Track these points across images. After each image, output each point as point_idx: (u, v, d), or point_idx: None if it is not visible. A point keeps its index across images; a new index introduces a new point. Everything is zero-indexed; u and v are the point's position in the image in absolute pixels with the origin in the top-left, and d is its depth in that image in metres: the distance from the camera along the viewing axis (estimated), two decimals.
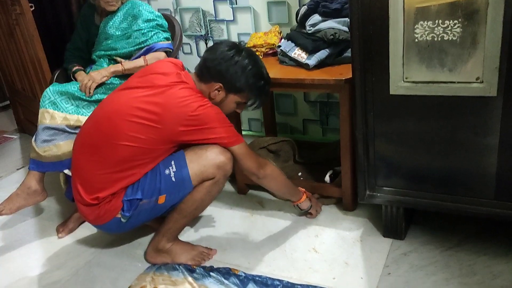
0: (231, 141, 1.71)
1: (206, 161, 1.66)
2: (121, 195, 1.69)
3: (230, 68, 1.71)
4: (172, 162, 1.68)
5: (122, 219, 1.71)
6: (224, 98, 1.78)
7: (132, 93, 1.72)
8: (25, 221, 2.30)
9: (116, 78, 2.23)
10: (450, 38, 1.44)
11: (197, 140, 1.68)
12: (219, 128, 1.68)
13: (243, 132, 2.75)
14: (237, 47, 1.76)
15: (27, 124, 3.36)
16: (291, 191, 1.94)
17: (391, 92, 1.59)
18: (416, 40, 1.48)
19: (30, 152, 2.10)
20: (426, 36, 1.47)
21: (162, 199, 1.68)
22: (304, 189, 2.02)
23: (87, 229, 2.13)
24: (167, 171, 1.67)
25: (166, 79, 1.70)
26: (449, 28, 1.43)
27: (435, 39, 1.46)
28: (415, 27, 1.47)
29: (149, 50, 2.23)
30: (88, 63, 2.43)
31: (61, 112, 2.07)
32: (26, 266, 1.96)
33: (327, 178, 2.19)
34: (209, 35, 2.75)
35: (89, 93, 2.12)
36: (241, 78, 1.73)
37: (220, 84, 1.74)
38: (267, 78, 1.82)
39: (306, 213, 2.05)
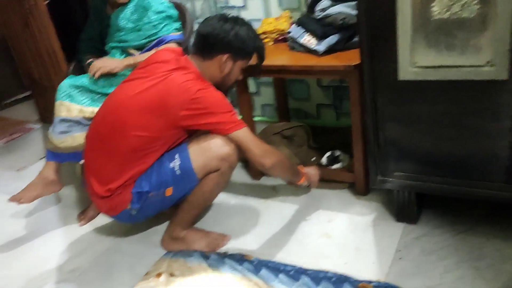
0: (232, 126, 1.70)
1: (209, 153, 1.69)
2: (131, 187, 1.73)
3: (238, 37, 1.77)
4: (176, 156, 1.71)
5: (132, 212, 1.76)
6: (232, 66, 1.83)
7: (134, 84, 1.77)
8: (46, 210, 2.38)
9: (130, 70, 2.25)
10: (467, 16, 1.40)
11: (199, 125, 1.70)
12: (220, 113, 1.69)
13: (257, 118, 2.76)
14: (231, 18, 1.81)
15: (48, 114, 3.42)
16: (294, 174, 1.92)
17: (400, 77, 1.58)
18: (432, 18, 1.45)
19: (47, 143, 2.16)
20: (444, 14, 1.43)
21: (169, 192, 1.72)
22: (301, 165, 2.01)
23: (106, 217, 2.19)
24: (171, 165, 1.70)
25: (166, 66, 1.74)
26: (467, 4, 1.39)
27: (452, 17, 1.42)
28: (432, 4, 1.43)
29: (160, 42, 2.24)
30: (102, 53, 2.46)
31: (77, 104, 2.11)
32: (48, 253, 2.04)
33: (323, 160, 2.19)
34: None
35: (94, 76, 2.15)
36: (248, 42, 1.81)
37: (229, 54, 1.78)
38: (262, 40, 1.94)
39: (306, 188, 2.06)
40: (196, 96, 1.65)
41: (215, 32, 1.75)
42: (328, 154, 2.22)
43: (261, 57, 1.91)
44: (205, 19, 1.85)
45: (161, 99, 1.67)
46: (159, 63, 1.77)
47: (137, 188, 1.73)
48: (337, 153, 2.21)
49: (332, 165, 2.20)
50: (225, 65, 1.80)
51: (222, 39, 1.75)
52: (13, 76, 4.07)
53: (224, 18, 1.80)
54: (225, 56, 1.78)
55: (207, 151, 1.69)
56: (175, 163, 1.70)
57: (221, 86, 1.85)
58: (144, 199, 1.73)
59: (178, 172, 1.70)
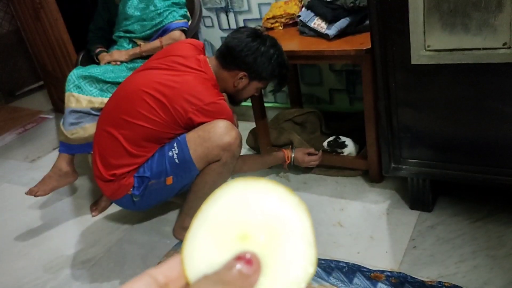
0: None
1: (209, 143, 1.66)
2: (134, 172, 1.74)
3: (258, 59, 1.75)
4: (175, 144, 1.70)
5: (134, 198, 1.76)
6: (247, 85, 1.83)
7: (151, 74, 1.75)
8: (61, 200, 2.40)
9: (139, 60, 2.25)
10: None
11: (202, 122, 1.69)
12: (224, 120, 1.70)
13: (268, 105, 2.72)
14: (261, 36, 1.78)
15: (61, 104, 3.45)
16: (267, 160, 2.04)
17: (413, 62, 1.52)
18: None
19: (59, 135, 2.17)
20: None
21: (170, 180, 1.71)
22: (284, 149, 2.09)
23: (118, 208, 2.20)
24: (170, 153, 1.69)
25: (185, 61, 1.73)
26: None
27: None
28: None
29: (165, 31, 2.22)
30: (111, 43, 2.45)
31: (86, 95, 2.11)
32: (63, 243, 2.06)
33: (325, 144, 2.15)
34: (230, 7, 2.70)
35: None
36: (268, 68, 1.78)
37: (245, 73, 1.78)
38: (288, 65, 1.86)
39: (307, 168, 2.15)
40: (209, 108, 1.67)
41: (239, 48, 1.74)
42: (330, 139, 2.17)
43: (280, 85, 1.90)
44: (238, 29, 1.87)
45: (170, 95, 1.67)
46: (178, 57, 1.76)
47: (139, 173, 1.73)
48: (343, 138, 2.15)
49: (336, 151, 2.16)
50: (239, 81, 1.80)
51: (243, 57, 1.74)
52: (29, 67, 4.11)
53: (254, 35, 1.77)
54: (241, 74, 1.77)
55: (207, 141, 1.66)
56: (174, 152, 1.69)
57: (233, 97, 1.87)
58: (145, 185, 1.73)
59: (176, 161, 1.69)
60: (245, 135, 2.32)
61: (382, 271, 1.55)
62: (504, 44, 1.36)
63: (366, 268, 1.57)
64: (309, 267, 0.35)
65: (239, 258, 0.33)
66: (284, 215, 0.36)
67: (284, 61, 1.82)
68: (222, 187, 0.37)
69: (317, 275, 1.57)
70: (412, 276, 1.51)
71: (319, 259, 1.65)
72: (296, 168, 2.16)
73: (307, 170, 2.20)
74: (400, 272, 1.53)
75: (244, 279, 0.33)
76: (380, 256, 1.64)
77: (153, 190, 1.74)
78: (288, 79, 1.92)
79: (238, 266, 0.33)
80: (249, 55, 1.73)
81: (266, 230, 0.35)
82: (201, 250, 0.35)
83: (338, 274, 1.56)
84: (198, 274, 0.34)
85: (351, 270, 1.57)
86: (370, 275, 1.54)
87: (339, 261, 1.63)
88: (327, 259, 1.64)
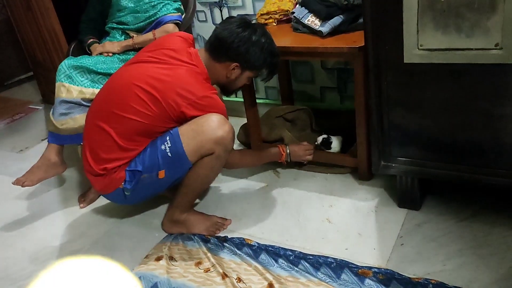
0: None
1: (202, 136, 1.65)
2: (125, 166, 1.73)
3: (250, 49, 1.74)
4: (167, 138, 1.68)
5: (126, 192, 1.75)
6: (239, 75, 1.82)
7: (143, 67, 1.74)
8: (49, 191, 2.38)
9: (132, 52, 2.24)
10: None
11: (195, 116, 1.68)
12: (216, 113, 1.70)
13: (260, 101, 2.72)
14: (251, 26, 1.77)
15: (51, 95, 3.41)
16: (263, 156, 2.03)
17: (405, 60, 1.53)
18: None
19: (48, 125, 2.15)
20: None
21: (162, 174, 1.70)
22: (279, 145, 2.09)
23: (106, 200, 2.18)
24: (163, 146, 1.68)
25: (176, 55, 1.72)
26: None
27: None
28: None
29: (159, 23, 2.21)
30: (103, 34, 2.43)
31: (76, 85, 2.09)
32: (49, 235, 2.04)
33: (319, 140, 2.18)
34: (224, 1, 2.69)
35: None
36: (260, 58, 1.77)
37: (237, 64, 1.77)
38: (278, 53, 1.85)
39: (300, 163, 2.16)
40: (201, 102, 1.66)
41: (230, 39, 1.72)
42: (325, 136, 2.19)
43: (271, 74, 1.89)
44: (226, 19, 1.83)
45: (162, 89, 1.65)
46: (169, 50, 1.75)
47: (131, 167, 1.72)
48: (331, 138, 2.17)
49: (322, 148, 2.19)
50: (232, 72, 1.79)
51: (235, 48, 1.73)
52: (19, 57, 4.05)
53: (243, 25, 1.75)
54: (233, 65, 1.77)
55: (200, 135, 1.65)
56: (166, 145, 1.68)
57: (226, 87, 1.87)
58: (137, 179, 1.72)
59: (169, 154, 1.68)
60: (236, 130, 2.32)
61: (370, 268, 1.56)
62: (496, 45, 1.38)
63: (354, 264, 1.58)
64: None
65: None
66: None
67: (275, 49, 1.81)
68: None
69: (305, 270, 1.58)
70: (399, 273, 1.52)
71: (308, 255, 1.66)
72: (289, 163, 2.16)
73: (299, 165, 2.21)
74: (387, 269, 1.54)
75: None
76: (368, 252, 1.65)
77: (145, 184, 1.73)
78: (278, 66, 1.91)
79: None
80: (241, 46, 1.72)
81: None
82: None
83: (326, 269, 1.57)
84: None
85: (339, 266, 1.58)
86: (358, 271, 1.55)
87: (327, 257, 1.63)
88: (316, 255, 1.65)
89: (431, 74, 1.53)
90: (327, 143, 2.18)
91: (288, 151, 2.05)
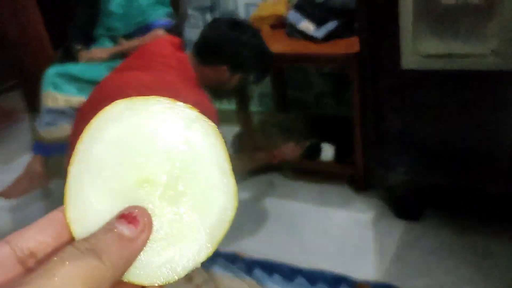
0: None
1: None
2: None
3: (239, 50, 1.64)
4: None
5: None
6: (230, 78, 1.73)
7: (130, 74, 1.67)
8: (33, 205, 2.29)
9: (120, 59, 2.18)
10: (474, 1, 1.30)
11: None
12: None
13: (253, 109, 2.67)
14: (239, 25, 1.69)
15: (37, 104, 3.34)
16: (255, 159, 1.95)
17: (402, 66, 1.48)
18: (437, 3, 1.35)
19: (33, 134, 2.08)
20: None
21: None
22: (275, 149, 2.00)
23: None
24: None
25: (164, 60, 1.64)
26: None
27: (459, 2, 1.33)
28: None
29: (148, 28, 2.15)
30: (92, 40, 2.37)
31: (63, 94, 2.02)
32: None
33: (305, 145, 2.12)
34: (215, 6, 2.64)
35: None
36: (250, 60, 1.68)
37: (227, 66, 1.68)
38: (271, 54, 1.76)
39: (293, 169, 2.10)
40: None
41: (218, 41, 1.64)
42: (313, 142, 2.12)
43: (263, 76, 1.81)
44: (214, 20, 1.76)
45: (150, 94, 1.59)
46: (158, 56, 1.68)
47: None
48: (321, 145, 2.10)
49: (313, 157, 2.10)
50: (221, 75, 1.69)
51: (223, 50, 1.64)
52: (3, 64, 3.96)
53: (232, 25, 1.67)
54: (223, 68, 1.67)
55: None
56: None
57: (217, 92, 1.79)
58: None
59: None
60: (229, 139, 2.26)
61: (368, 282, 1.51)
62: (492, 51, 1.34)
63: (351, 278, 1.53)
64: (231, 202, 0.30)
65: (121, 216, 0.26)
66: (189, 143, 0.29)
67: (266, 50, 1.72)
68: (100, 114, 0.29)
69: (301, 285, 1.52)
70: (398, 286, 1.47)
71: (303, 269, 1.59)
72: (284, 175, 2.10)
73: (290, 170, 2.14)
74: (385, 283, 1.49)
75: (124, 244, 0.25)
76: (366, 266, 1.60)
77: None
78: (271, 67, 1.83)
79: (118, 228, 0.26)
80: (230, 47, 1.63)
81: (169, 167, 0.28)
82: (89, 204, 0.27)
83: (322, 284, 1.52)
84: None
85: (335, 281, 1.52)
86: (356, 286, 1.50)
87: (323, 271, 1.57)
88: (311, 269, 1.59)
89: (428, 80, 1.49)
90: (316, 151, 2.10)
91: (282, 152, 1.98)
